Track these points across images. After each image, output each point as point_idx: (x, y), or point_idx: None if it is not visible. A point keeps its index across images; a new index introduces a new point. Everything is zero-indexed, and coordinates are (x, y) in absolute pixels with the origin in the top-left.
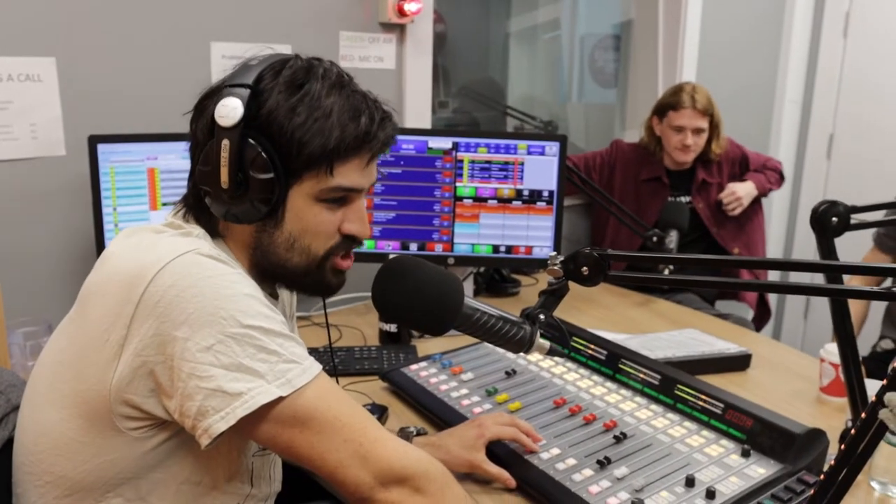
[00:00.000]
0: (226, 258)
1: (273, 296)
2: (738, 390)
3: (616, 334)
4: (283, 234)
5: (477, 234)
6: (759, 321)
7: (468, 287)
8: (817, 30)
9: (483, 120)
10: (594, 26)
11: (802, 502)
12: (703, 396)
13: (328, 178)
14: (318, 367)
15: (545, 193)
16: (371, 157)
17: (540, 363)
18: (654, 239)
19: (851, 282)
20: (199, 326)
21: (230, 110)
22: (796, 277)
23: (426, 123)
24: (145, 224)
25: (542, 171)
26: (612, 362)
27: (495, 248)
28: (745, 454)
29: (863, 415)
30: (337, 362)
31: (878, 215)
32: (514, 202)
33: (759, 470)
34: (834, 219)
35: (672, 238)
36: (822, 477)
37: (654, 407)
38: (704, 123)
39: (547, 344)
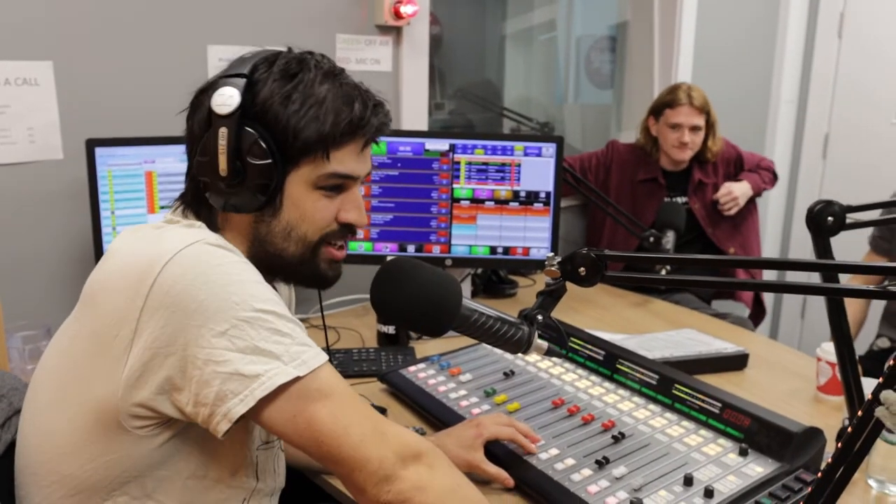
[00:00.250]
0: (230, 247)
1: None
2: (736, 390)
3: (613, 335)
4: (281, 223)
5: (474, 236)
6: (755, 320)
7: (466, 288)
8: (812, 30)
9: (479, 122)
10: (590, 28)
11: (800, 500)
12: (701, 396)
13: (325, 163)
14: (325, 355)
15: (542, 195)
16: (365, 144)
17: (538, 364)
18: (651, 239)
19: (851, 283)
20: (212, 313)
21: (227, 98)
22: (792, 277)
23: (423, 125)
24: (145, 223)
25: (538, 172)
26: (610, 362)
27: (493, 250)
28: (743, 453)
29: (859, 413)
30: (335, 364)
31: (874, 214)
32: (511, 203)
33: (757, 468)
34: (830, 218)
35: (669, 239)
36: (819, 475)
37: (651, 407)
38: (701, 121)
39: (545, 344)
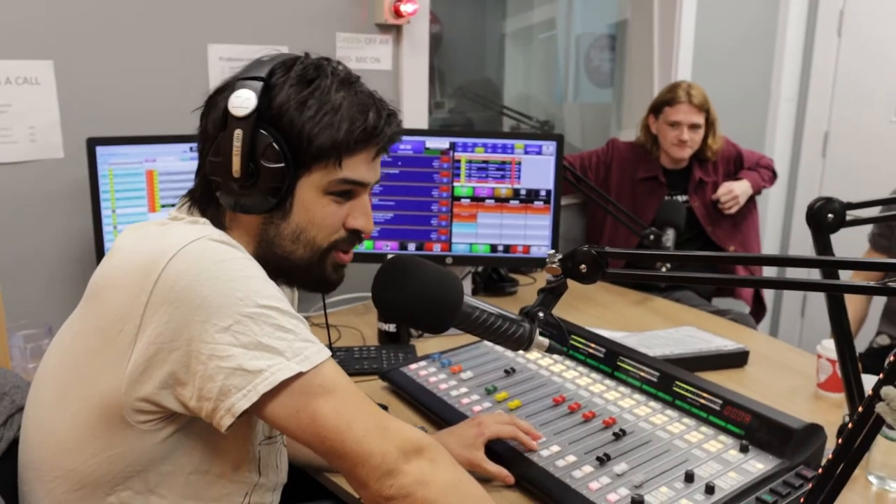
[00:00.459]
0: (235, 243)
1: None
2: (736, 387)
3: (614, 332)
4: (290, 226)
5: (475, 234)
6: (755, 318)
7: (466, 287)
8: (811, 28)
9: (479, 120)
10: (590, 26)
11: (800, 497)
12: (702, 393)
13: (337, 170)
14: (328, 351)
15: (542, 193)
16: (377, 153)
17: (538, 361)
18: (651, 237)
19: (853, 281)
20: (216, 308)
21: (244, 101)
22: (793, 275)
23: (423, 124)
24: (149, 220)
25: (539, 170)
26: (611, 360)
27: (493, 248)
28: (744, 449)
29: (860, 409)
30: (336, 362)
31: (874, 211)
32: (512, 201)
33: (758, 465)
34: (829, 215)
35: (669, 236)
36: (819, 471)
37: (652, 404)
38: (700, 119)
39: (546, 341)
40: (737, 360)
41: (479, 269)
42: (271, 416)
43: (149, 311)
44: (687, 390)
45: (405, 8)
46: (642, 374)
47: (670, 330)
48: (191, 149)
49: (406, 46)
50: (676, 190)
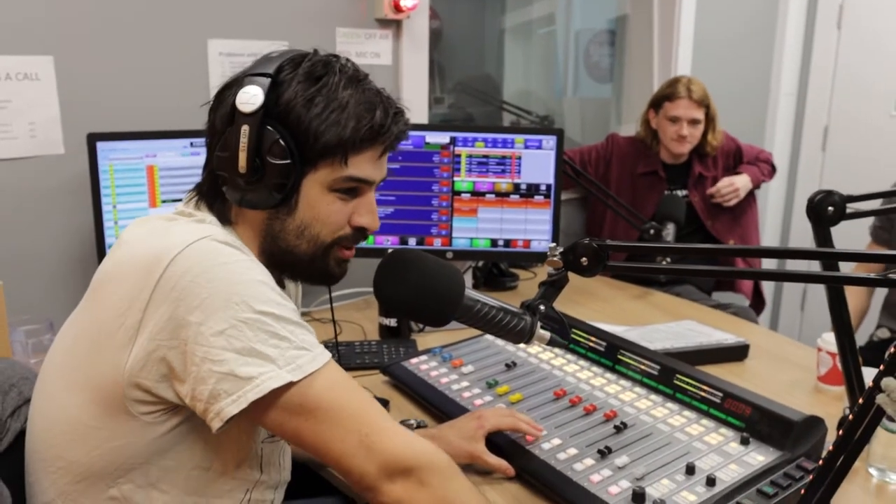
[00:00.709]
0: (239, 245)
1: (280, 285)
2: (737, 380)
3: (615, 326)
4: (295, 222)
5: (475, 229)
6: (755, 311)
7: (467, 281)
8: (811, 22)
9: (478, 116)
10: (589, 21)
11: (801, 489)
12: (702, 386)
13: (342, 167)
14: (327, 355)
15: (542, 187)
16: (384, 151)
17: (539, 355)
18: (652, 231)
19: (854, 273)
20: (213, 311)
21: (251, 97)
22: (793, 267)
23: (423, 119)
24: (157, 214)
25: (539, 164)
26: (612, 353)
27: (493, 242)
28: (745, 442)
29: (860, 400)
30: (338, 357)
31: (874, 204)
32: (512, 196)
33: (759, 457)
34: (830, 208)
35: (669, 231)
36: (820, 463)
37: (653, 397)
38: (700, 114)
39: (547, 334)
40: (737, 353)
41: (480, 263)
42: (261, 421)
43: (150, 308)
44: (688, 383)
45: (405, 3)
46: (643, 367)
47: (671, 324)
48: (191, 144)
49: (406, 41)
50: (676, 185)
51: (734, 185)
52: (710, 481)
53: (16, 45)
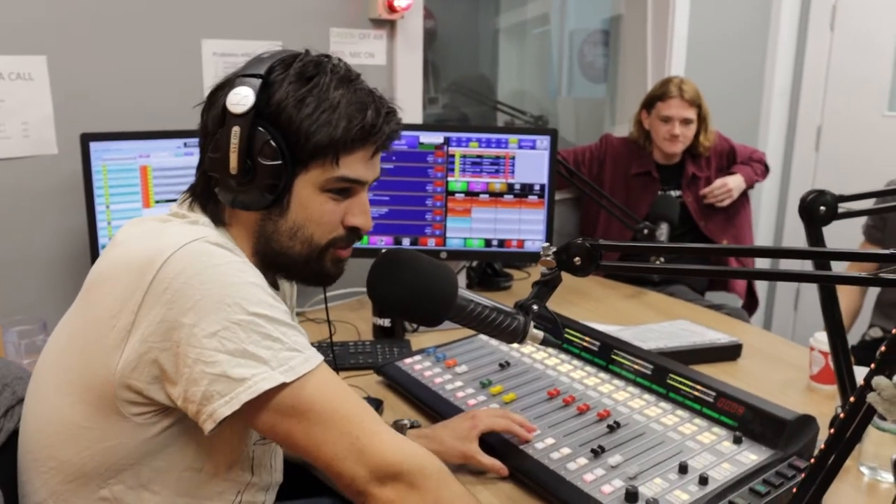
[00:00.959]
0: (231, 246)
1: (274, 286)
2: (730, 380)
3: (608, 326)
4: (287, 223)
5: (469, 229)
6: (747, 311)
7: (461, 281)
8: (804, 23)
9: (473, 116)
10: (583, 21)
11: (793, 487)
12: (695, 385)
13: (334, 168)
14: (319, 357)
15: (536, 187)
16: (376, 151)
17: (533, 355)
18: (645, 231)
19: (847, 273)
20: (206, 313)
21: (241, 98)
22: (786, 267)
23: (417, 119)
24: (151, 215)
25: (533, 164)
26: (605, 353)
27: (487, 242)
28: (737, 441)
29: (852, 399)
30: (332, 358)
31: (867, 204)
32: (506, 196)
33: (751, 456)
34: (822, 208)
35: (662, 231)
36: (812, 461)
37: (646, 396)
38: (692, 114)
39: (540, 334)
40: (730, 353)
41: (474, 263)
42: (253, 423)
43: (143, 310)
44: (681, 383)
45: (399, 3)
46: (636, 367)
47: (664, 323)
48: (185, 144)
49: (400, 41)
50: (669, 185)
51: (727, 186)
52: (703, 480)
53: (9, 44)
